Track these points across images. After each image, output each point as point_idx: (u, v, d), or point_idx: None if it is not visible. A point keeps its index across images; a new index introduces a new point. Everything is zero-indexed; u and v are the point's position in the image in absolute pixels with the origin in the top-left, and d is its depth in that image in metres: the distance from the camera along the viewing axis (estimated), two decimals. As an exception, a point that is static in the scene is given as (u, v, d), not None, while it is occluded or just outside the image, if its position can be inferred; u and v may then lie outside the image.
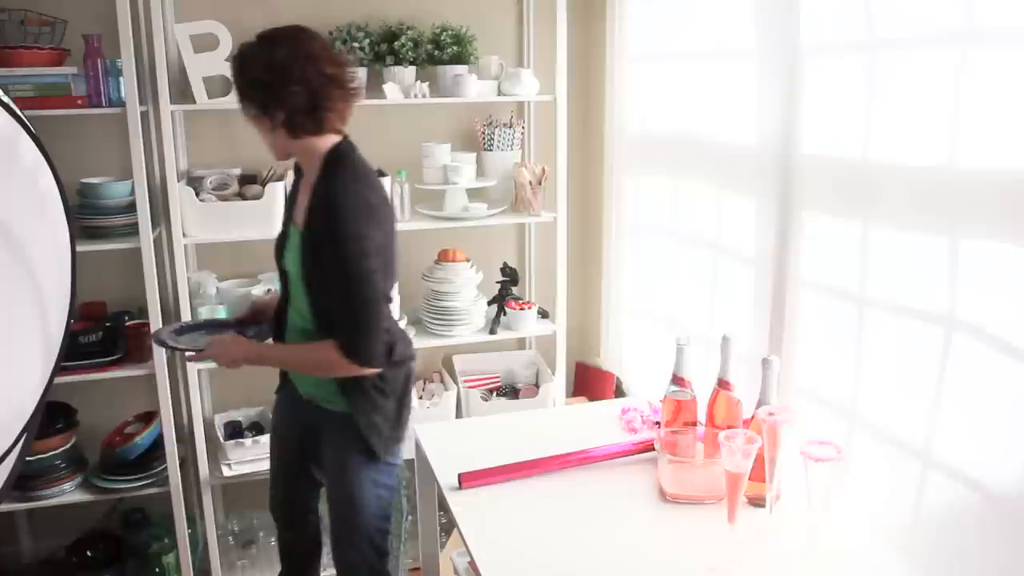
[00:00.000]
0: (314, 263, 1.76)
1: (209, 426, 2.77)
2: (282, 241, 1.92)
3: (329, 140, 1.80)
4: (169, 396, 2.52)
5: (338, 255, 1.70)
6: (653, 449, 1.75)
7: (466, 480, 1.69)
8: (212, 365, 1.98)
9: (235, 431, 2.74)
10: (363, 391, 1.86)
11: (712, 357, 1.68)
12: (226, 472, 2.63)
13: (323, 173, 1.77)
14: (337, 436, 1.94)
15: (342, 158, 1.78)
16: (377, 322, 1.76)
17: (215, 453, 2.70)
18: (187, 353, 2.00)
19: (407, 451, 2.06)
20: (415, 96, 2.63)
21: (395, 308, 2.68)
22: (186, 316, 2.52)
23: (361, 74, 2.65)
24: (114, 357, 2.50)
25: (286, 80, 1.68)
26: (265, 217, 2.52)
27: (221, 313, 2.56)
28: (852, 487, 1.65)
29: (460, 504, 1.64)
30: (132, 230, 2.41)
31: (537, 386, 2.95)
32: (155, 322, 2.45)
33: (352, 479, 1.93)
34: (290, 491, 2.19)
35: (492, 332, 2.81)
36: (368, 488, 1.94)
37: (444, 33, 2.72)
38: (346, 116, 1.80)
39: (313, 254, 1.75)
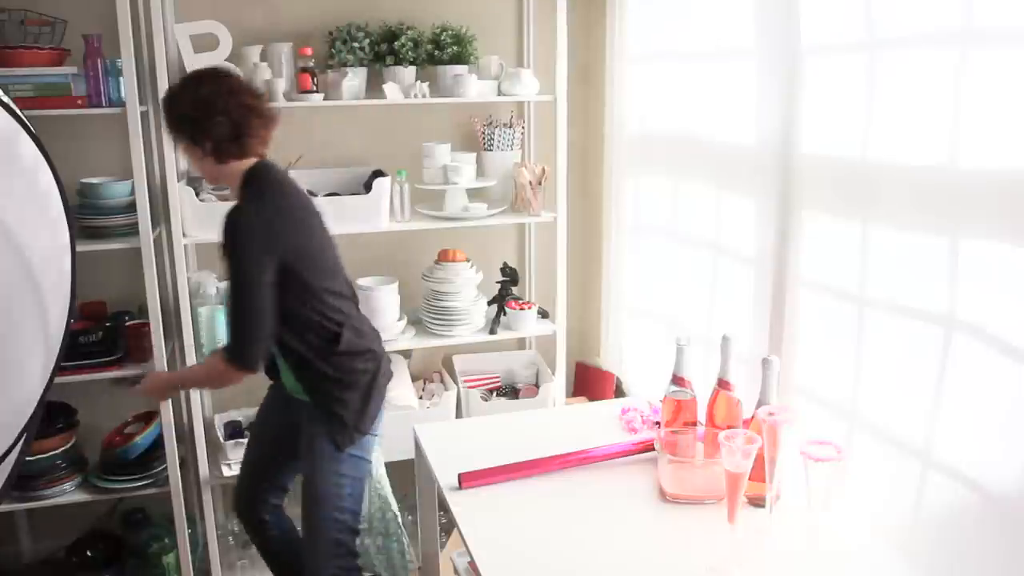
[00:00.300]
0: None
1: (209, 426, 2.77)
2: None
3: (250, 163, 1.96)
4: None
5: (227, 267, 1.86)
6: (653, 449, 1.75)
7: (466, 480, 1.69)
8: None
9: (235, 431, 2.74)
10: (320, 383, 1.98)
11: (712, 357, 1.68)
12: (226, 472, 2.63)
13: (239, 193, 1.94)
14: (307, 426, 2.04)
15: (255, 177, 1.93)
16: (255, 330, 1.86)
17: (215, 453, 2.70)
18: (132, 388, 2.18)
19: (406, 451, 2.06)
20: (415, 96, 2.63)
21: (392, 304, 2.69)
22: (186, 316, 2.52)
23: (361, 74, 2.66)
24: (114, 357, 2.50)
25: (211, 113, 1.86)
26: (265, 217, 2.52)
27: (221, 313, 2.56)
28: (852, 487, 1.65)
29: (460, 504, 1.64)
30: (132, 230, 2.41)
31: (537, 386, 2.95)
32: (155, 322, 2.45)
33: (314, 468, 2.03)
34: (252, 489, 2.27)
35: (492, 332, 2.81)
36: (329, 477, 2.01)
37: (444, 33, 2.72)
38: (267, 140, 1.97)
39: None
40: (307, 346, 1.95)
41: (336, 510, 2.03)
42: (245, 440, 2.64)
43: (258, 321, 1.85)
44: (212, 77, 1.92)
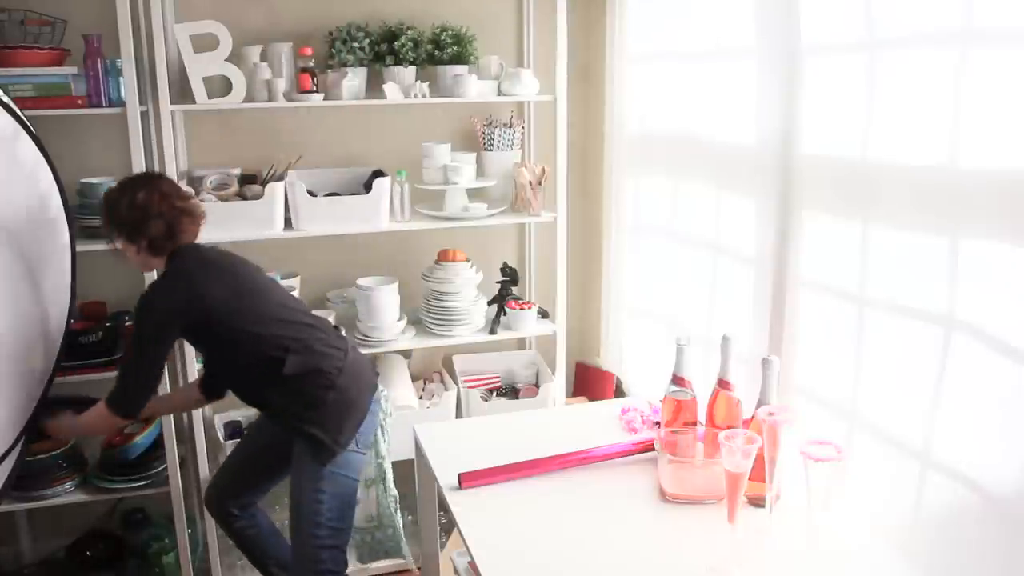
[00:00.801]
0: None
1: (209, 426, 2.77)
2: None
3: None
4: (169, 396, 2.52)
5: (131, 330, 2.05)
6: (653, 449, 1.75)
7: (466, 480, 1.69)
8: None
9: (235, 431, 2.74)
10: (282, 409, 2.09)
11: (712, 357, 1.68)
12: (226, 472, 2.63)
13: (161, 272, 2.08)
14: (295, 443, 2.10)
15: (175, 256, 2.06)
16: (139, 383, 2.03)
17: (215, 453, 2.70)
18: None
19: (406, 451, 2.06)
20: (415, 96, 2.63)
21: (392, 304, 2.69)
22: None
23: (361, 74, 2.66)
24: (114, 357, 2.50)
25: (146, 217, 2.00)
26: (265, 217, 2.52)
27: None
28: (852, 487, 1.65)
29: (460, 504, 1.64)
30: (132, 230, 2.41)
31: (537, 386, 2.95)
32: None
33: (297, 481, 2.09)
34: (229, 483, 2.34)
35: (492, 332, 2.81)
36: (308, 493, 2.05)
37: (444, 33, 2.72)
38: (197, 233, 2.12)
39: None
40: (252, 378, 2.08)
41: (314, 525, 2.06)
42: (245, 440, 2.66)
43: (143, 377, 2.03)
44: (144, 181, 2.08)
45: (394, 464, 2.43)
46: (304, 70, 2.55)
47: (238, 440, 2.65)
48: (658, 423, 1.86)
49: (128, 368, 2.03)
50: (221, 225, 2.49)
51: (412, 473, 2.04)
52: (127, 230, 2.03)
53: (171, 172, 2.46)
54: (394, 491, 2.44)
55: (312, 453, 2.05)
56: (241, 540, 2.39)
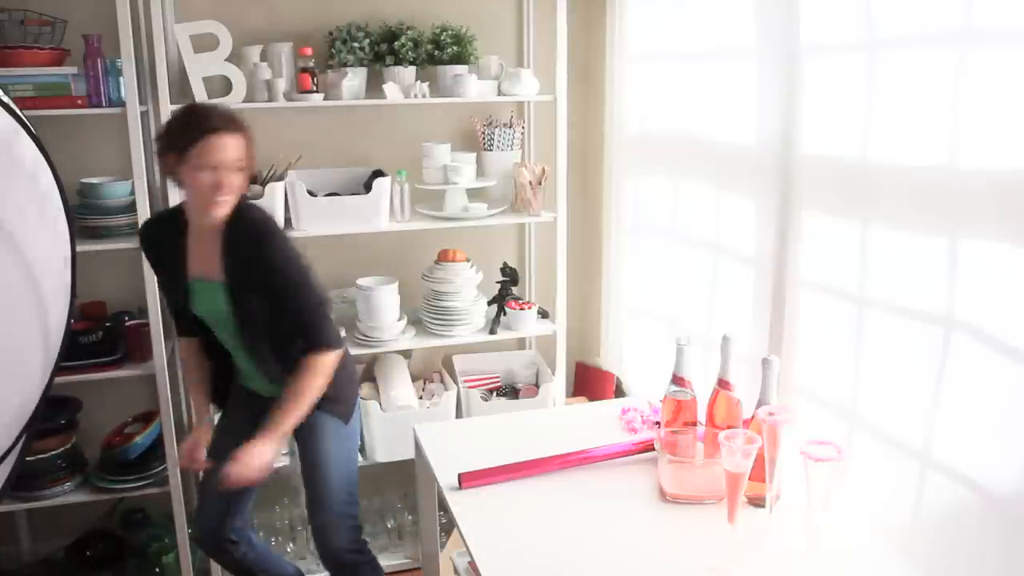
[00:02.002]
0: (253, 298, 1.96)
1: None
2: (184, 296, 2.03)
3: None
4: (169, 396, 2.52)
5: (281, 270, 1.95)
6: (653, 449, 1.75)
7: (466, 480, 1.69)
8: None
9: (235, 431, 2.73)
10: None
11: (712, 357, 1.68)
12: (226, 472, 2.63)
13: (231, 225, 1.95)
14: (308, 420, 2.03)
15: (246, 207, 1.99)
16: (325, 313, 2.01)
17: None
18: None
19: (406, 451, 2.06)
20: (415, 96, 2.63)
21: (392, 304, 2.69)
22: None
23: (361, 74, 2.66)
24: (114, 357, 2.50)
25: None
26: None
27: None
28: (852, 487, 1.65)
29: (460, 504, 1.64)
30: (132, 230, 2.42)
31: (537, 386, 2.95)
32: (155, 322, 2.45)
33: (327, 451, 2.09)
34: (223, 510, 2.16)
35: (492, 332, 2.81)
36: (342, 454, 2.10)
37: (444, 33, 2.72)
38: None
39: (250, 291, 1.95)
40: (293, 345, 2.00)
41: (350, 485, 2.10)
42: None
43: (327, 306, 2.02)
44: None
45: (394, 464, 2.43)
46: (304, 70, 2.55)
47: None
48: (658, 423, 1.86)
49: (314, 306, 1.97)
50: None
51: (412, 473, 2.04)
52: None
53: (171, 172, 2.47)
54: None
55: (338, 414, 2.09)
56: (243, 568, 2.25)
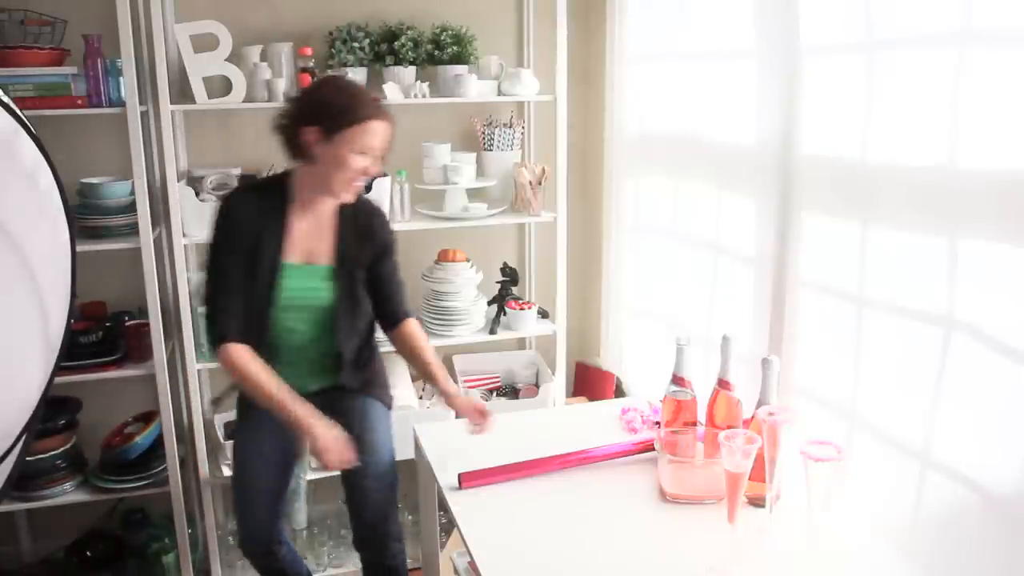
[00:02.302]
0: (360, 278, 2.00)
1: (209, 426, 2.76)
2: (272, 277, 1.92)
3: None
4: (169, 396, 2.52)
5: (394, 257, 2.07)
6: (653, 449, 1.75)
7: (466, 480, 1.69)
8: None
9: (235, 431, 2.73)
10: (376, 359, 2.16)
11: (712, 357, 1.68)
12: (226, 472, 2.63)
13: (350, 206, 1.97)
14: (352, 403, 2.05)
15: None
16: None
17: (215, 453, 2.70)
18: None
19: (406, 451, 2.06)
20: (415, 96, 2.63)
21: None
22: (186, 316, 2.51)
23: (361, 74, 2.66)
24: (114, 357, 2.50)
25: None
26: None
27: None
28: (852, 487, 1.65)
29: (460, 504, 1.64)
30: (132, 230, 2.41)
31: (537, 386, 2.95)
32: (155, 322, 2.45)
33: (376, 435, 2.03)
34: (270, 516, 2.10)
35: (492, 332, 2.81)
36: (388, 437, 2.07)
37: (444, 33, 2.72)
38: None
39: (360, 272, 2.00)
40: (370, 328, 2.10)
41: (394, 464, 2.05)
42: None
43: None
44: None
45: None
46: (304, 70, 2.55)
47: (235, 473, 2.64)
48: (658, 423, 1.86)
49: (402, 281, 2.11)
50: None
51: (412, 473, 2.04)
52: None
53: (171, 172, 2.47)
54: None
55: (385, 402, 2.13)
56: (284, 569, 2.16)
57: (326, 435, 1.82)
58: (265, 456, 2.06)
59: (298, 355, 2.03)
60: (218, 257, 1.91)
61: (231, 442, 2.65)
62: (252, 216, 1.90)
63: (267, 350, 1.95)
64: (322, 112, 1.83)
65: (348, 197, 1.90)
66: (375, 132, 1.83)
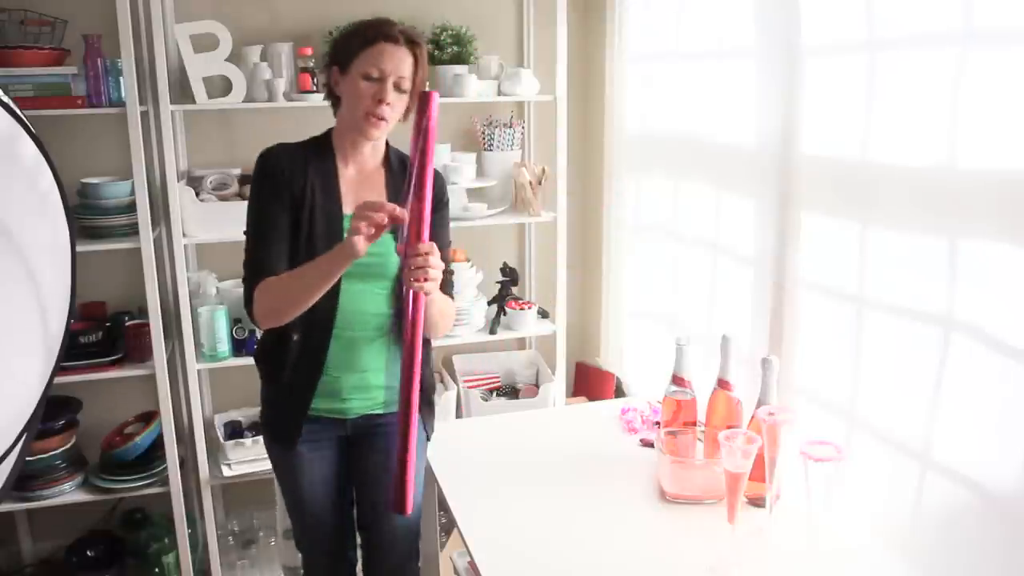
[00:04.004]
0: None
1: (209, 426, 2.77)
2: (334, 229, 1.70)
3: None
4: (169, 396, 2.52)
5: (444, 213, 1.82)
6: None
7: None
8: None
9: (235, 431, 2.74)
10: (429, 372, 1.87)
11: (712, 357, 1.68)
12: (226, 472, 2.63)
13: (390, 154, 1.81)
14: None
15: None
16: None
17: (215, 453, 2.70)
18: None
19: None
20: (415, 96, 2.63)
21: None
22: (186, 316, 2.52)
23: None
24: (114, 357, 2.50)
25: None
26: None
27: (221, 313, 2.56)
28: (852, 487, 1.64)
29: (460, 504, 1.64)
30: (132, 230, 2.41)
31: (537, 386, 2.95)
32: (155, 322, 2.45)
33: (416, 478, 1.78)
34: (342, 545, 1.93)
35: (492, 332, 2.81)
36: (421, 470, 1.81)
37: (444, 33, 2.72)
38: None
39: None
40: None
41: (417, 528, 1.88)
42: (245, 440, 2.64)
43: None
44: None
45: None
46: (304, 70, 2.55)
47: (238, 440, 2.64)
48: (658, 423, 1.86)
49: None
50: (221, 225, 2.49)
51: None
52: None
53: (171, 172, 2.47)
54: None
55: (428, 428, 1.84)
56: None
57: (352, 227, 1.49)
58: (321, 497, 1.85)
59: (361, 324, 1.72)
60: (259, 213, 1.70)
61: (231, 442, 2.65)
62: (299, 165, 1.71)
63: (313, 337, 1.70)
64: (337, 46, 1.73)
65: (373, 132, 1.68)
66: (385, 53, 1.66)
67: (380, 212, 1.47)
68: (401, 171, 1.78)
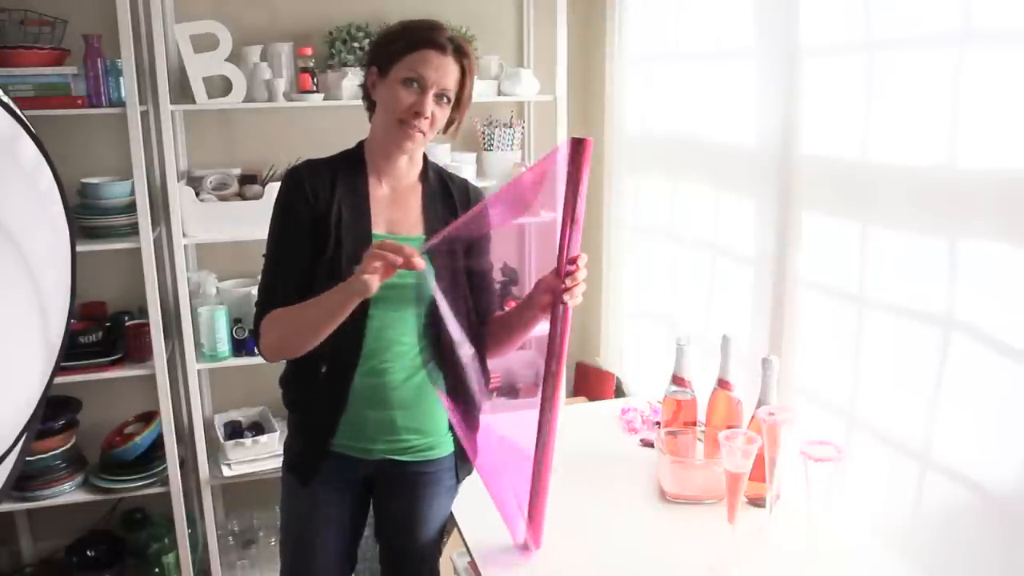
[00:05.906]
0: (458, 266, 1.60)
1: (209, 426, 2.77)
2: (361, 248, 1.48)
3: None
4: (169, 396, 2.52)
5: (487, 243, 1.69)
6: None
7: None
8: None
9: (235, 431, 2.74)
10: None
11: (712, 357, 1.68)
12: (226, 472, 2.63)
13: (428, 169, 1.67)
14: (429, 488, 1.66)
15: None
16: None
17: (215, 453, 2.70)
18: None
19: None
20: (415, 96, 2.63)
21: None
22: (186, 316, 2.51)
23: (361, 75, 2.65)
24: (114, 357, 2.50)
25: None
26: (265, 217, 2.51)
27: (221, 313, 2.56)
28: (852, 487, 1.65)
29: (460, 504, 1.64)
30: (132, 230, 2.41)
31: (537, 386, 2.95)
32: (155, 322, 2.45)
33: (437, 505, 1.67)
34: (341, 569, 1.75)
35: (492, 332, 2.80)
36: (444, 517, 1.70)
37: (444, 33, 2.71)
38: None
39: (452, 256, 1.59)
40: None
41: (436, 548, 1.73)
42: (245, 440, 2.64)
43: None
44: None
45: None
46: (304, 70, 2.55)
47: (238, 440, 2.64)
48: (658, 423, 1.86)
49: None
50: (221, 225, 2.49)
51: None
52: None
53: (171, 172, 2.47)
54: None
55: (465, 469, 1.70)
56: None
57: (364, 265, 1.37)
58: (328, 532, 1.69)
59: (391, 355, 1.58)
60: (276, 239, 1.60)
61: (231, 442, 2.64)
62: (326, 182, 1.58)
63: (348, 372, 1.56)
64: (378, 46, 1.59)
65: (408, 144, 1.55)
66: (428, 61, 1.50)
67: (397, 256, 1.35)
68: (440, 187, 1.65)
